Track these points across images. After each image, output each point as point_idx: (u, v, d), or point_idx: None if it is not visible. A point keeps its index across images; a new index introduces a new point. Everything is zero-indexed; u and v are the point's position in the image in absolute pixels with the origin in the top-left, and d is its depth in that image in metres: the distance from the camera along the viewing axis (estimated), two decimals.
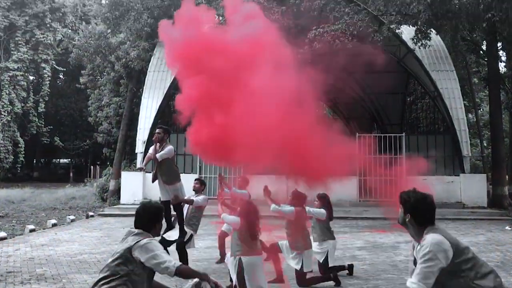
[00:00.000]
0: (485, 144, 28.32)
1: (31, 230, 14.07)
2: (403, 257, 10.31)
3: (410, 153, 20.12)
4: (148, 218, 4.07)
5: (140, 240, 3.83)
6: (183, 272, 3.86)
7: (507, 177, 21.84)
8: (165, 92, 20.82)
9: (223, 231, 9.08)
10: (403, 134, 20.17)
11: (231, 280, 6.60)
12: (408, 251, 10.60)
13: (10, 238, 13.04)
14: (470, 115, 28.72)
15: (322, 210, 8.03)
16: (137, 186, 19.79)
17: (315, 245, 7.97)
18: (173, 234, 8.20)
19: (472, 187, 19.16)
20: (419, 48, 19.52)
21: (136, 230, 3.97)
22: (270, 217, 7.26)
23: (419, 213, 3.46)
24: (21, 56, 35.67)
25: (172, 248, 8.16)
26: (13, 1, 35.39)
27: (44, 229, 14.81)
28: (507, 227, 15.29)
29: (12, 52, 36.00)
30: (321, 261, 8.05)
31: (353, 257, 10.33)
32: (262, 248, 6.65)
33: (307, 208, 7.74)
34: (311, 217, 8.03)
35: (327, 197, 8.25)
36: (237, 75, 6.52)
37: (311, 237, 7.92)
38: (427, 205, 3.47)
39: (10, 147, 35.20)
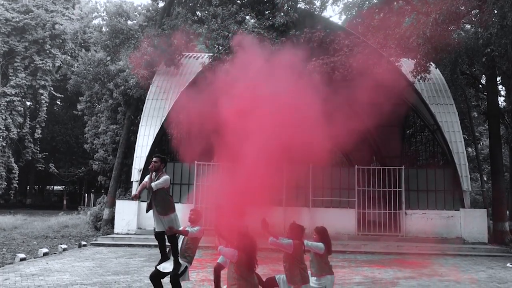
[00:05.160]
0: (485, 179, 28.15)
1: (22, 259, 13.80)
2: None
3: (409, 187, 19.98)
4: None
5: None
6: None
7: (507, 212, 21.60)
8: (163, 120, 20.67)
9: (219, 264, 8.79)
10: (403, 167, 19.93)
11: None
12: None
13: (0, 267, 12.75)
14: (469, 149, 28.62)
15: (321, 244, 7.74)
16: (131, 216, 19.44)
17: (312, 280, 7.67)
18: (167, 266, 7.97)
19: (472, 222, 18.85)
20: (419, 81, 19.54)
21: None
22: (267, 250, 7.04)
23: None
24: (19, 81, 35.65)
25: (166, 280, 7.91)
26: (13, 27, 35.54)
27: (35, 258, 14.50)
28: (508, 264, 15.03)
29: (10, 77, 36.02)
30: None
31: None
32: (259, 282, 6.42)
33: (305, 242, 7.48)
34: (309, 251, 7.77)
35: (326, 231, 7.99)
36: None
37: (309, 272, 7.65)
38: None
39: (4, 173, 34.86)
